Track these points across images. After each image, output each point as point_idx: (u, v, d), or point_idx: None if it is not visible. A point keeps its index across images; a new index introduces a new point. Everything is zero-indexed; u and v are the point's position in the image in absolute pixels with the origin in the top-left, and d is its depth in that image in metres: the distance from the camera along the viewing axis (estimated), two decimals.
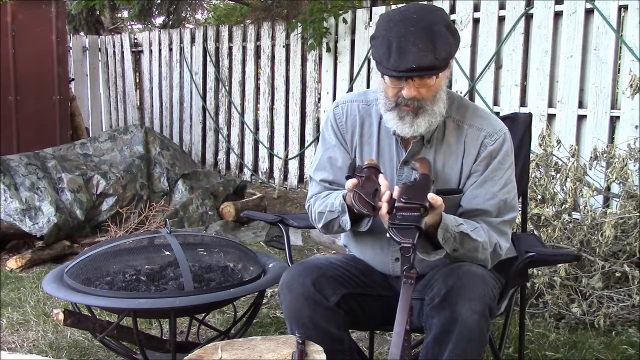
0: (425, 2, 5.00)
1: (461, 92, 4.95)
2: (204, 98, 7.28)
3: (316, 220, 1.82)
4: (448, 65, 1.62)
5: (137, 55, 8.17)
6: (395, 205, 1.46)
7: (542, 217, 3.04)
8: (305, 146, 6.43)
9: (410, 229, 1.41)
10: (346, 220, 1.69)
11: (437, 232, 1.56)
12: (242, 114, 6.95)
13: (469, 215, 1.71)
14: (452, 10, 5.10)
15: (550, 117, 4.52)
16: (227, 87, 7.05)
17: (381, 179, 1.59)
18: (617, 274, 2.87)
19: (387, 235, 1.42)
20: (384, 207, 1.51)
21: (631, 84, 3.48)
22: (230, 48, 7.01)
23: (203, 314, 2.62)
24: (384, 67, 1.59)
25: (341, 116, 1.84)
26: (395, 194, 1.52)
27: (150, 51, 7.91)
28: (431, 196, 1.48)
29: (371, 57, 2.02)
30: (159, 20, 11.81)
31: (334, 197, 1.75)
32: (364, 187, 1.56)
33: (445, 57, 1.58)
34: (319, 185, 1.85)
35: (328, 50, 6.00)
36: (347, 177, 1.63)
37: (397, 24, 1.59)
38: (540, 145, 3.32)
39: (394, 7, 5.74)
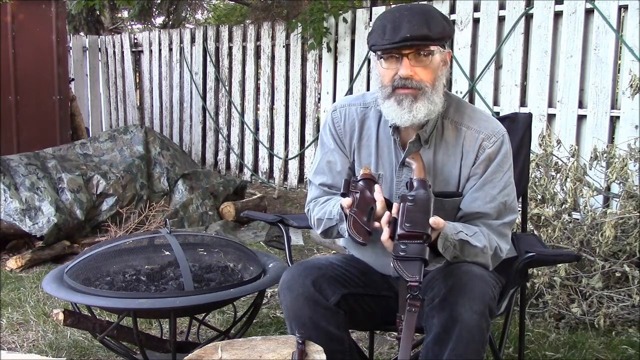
0: (425, 2, 5.02)
1: (461, 92, 4.96)
2: (204, 98, 7.28)
3: (315, 226, 1.83)
4: (443, 42, 1.64)
5: (137, 55, 8.16)
6: (398, 232, 1.45)
7: (542, 217, 3.04)
8: (305, 146, 6.43)
9: (415, 261, 1.41)
10: (344, 228, 1.69)
11: (436, 241, 1.55)
12: (242, 114, 6.95)
13: (468, 218, 1.71)
14: (452, 10, 5.10)
15: (550, 117, 4.52)
16: (227, 87, 7.05)
17: (377, 194, 1.57)
18: (617, 274, 2.87)
19: (391, 265, 1.43)
20: (386, 232, 1.51)
21: (631, 84, 3.47)
22: (230, 48, 7.00)
23: (203, 314, 2.61)
24: (380, 45, 1.62)
25: (339, 120, 1.84)
26: (394, 211, 1.52)
27: (150, 51, 7.90)
28: (433, 221, 1.47)
29: (370, 54, 2.04)
30: (159, 20, 11.82)
31: (332, 205, 1.75)
32: (359, 206, 1.54)
33: (439, 32, 1.61)
34: (318, 189, 1.86)
35: (328, 50, 6.00)
36: (342, 195, 1.62)
37: (391, 11, 1.67)
38: (540, 145, 3.32)
39: (393, 7, 5.75)
